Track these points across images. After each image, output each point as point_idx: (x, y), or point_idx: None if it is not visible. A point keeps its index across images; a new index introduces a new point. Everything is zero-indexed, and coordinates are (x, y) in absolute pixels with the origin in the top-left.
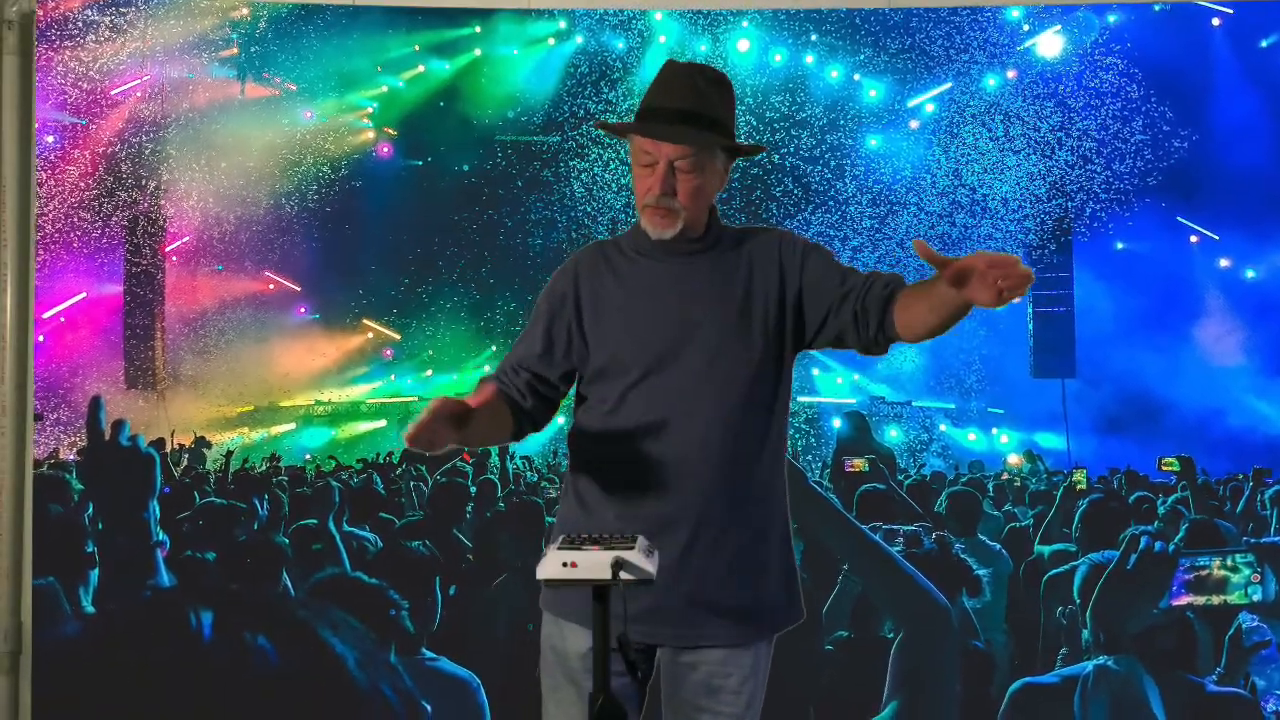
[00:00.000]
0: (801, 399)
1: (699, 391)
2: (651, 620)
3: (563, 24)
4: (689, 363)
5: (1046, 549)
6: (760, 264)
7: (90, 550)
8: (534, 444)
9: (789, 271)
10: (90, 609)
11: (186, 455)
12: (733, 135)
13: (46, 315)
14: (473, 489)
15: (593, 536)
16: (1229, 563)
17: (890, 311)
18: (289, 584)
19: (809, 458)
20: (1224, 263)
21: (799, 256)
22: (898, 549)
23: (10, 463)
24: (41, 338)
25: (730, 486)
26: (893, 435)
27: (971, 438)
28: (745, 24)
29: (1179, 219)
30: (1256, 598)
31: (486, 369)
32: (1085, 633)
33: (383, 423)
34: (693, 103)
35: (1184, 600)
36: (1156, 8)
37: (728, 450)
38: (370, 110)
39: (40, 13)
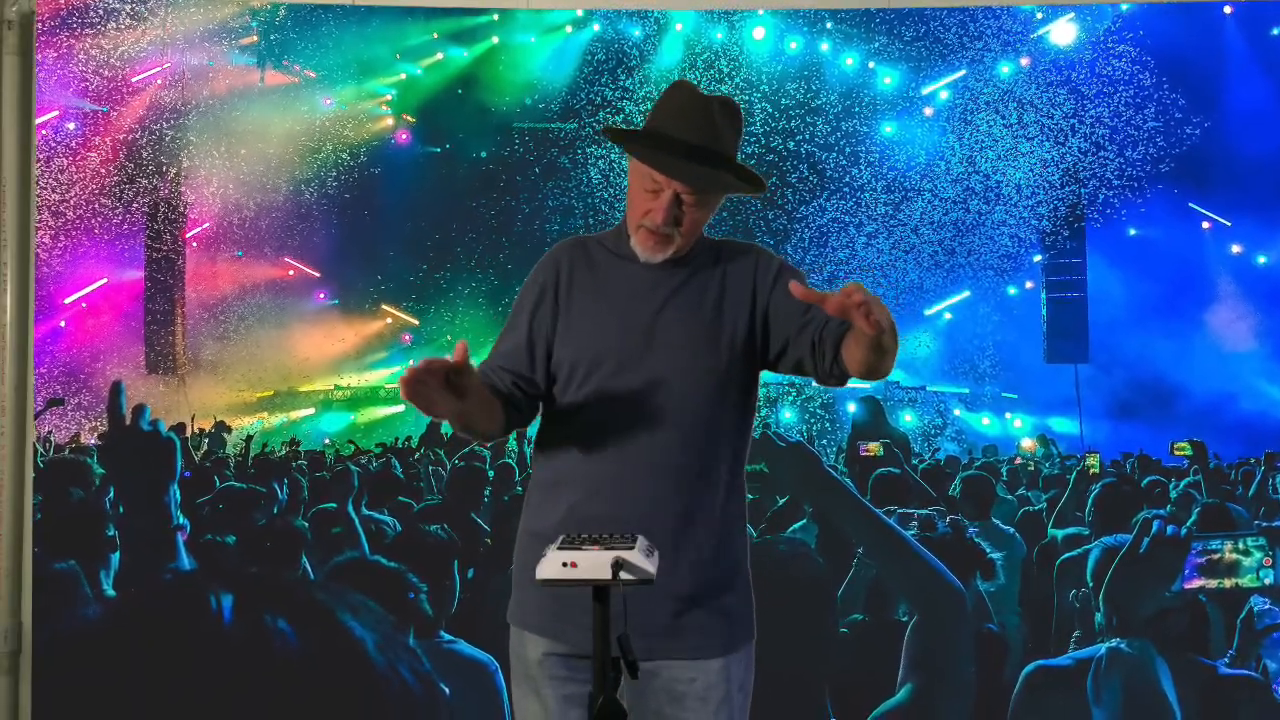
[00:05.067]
0: (816, 384)
1: (662, 396)
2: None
3: (580, 12)
4: (654, 366)
5: (1060, 532)
6: (734, 278)
7: (111, 534)
8: None
9: (760, 289)
10: (111, 592)
11: (207, 440)
12: (738, 171)
13: (68, 300)
14: (490, 473)
15: (592, 536)
16: (1241, 546)
17: (842, 346)
18: (308, 567)
19: (824, 442)
20: (1236, 249)
21: (771, 277)
22: (912, 533)
23: (10, 463)
24: (63, 323)
25: (689, 494)
26: (907, 420)
27: (985, 422)
28: (760, 11)
29: (1191, 205)
30: (1268, 581)
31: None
32: (1098, 615)
33: (401, 407)
34: (707, 138)
35: (1196, 583)
36: None
37: (687, 458)
38: (389, 98)
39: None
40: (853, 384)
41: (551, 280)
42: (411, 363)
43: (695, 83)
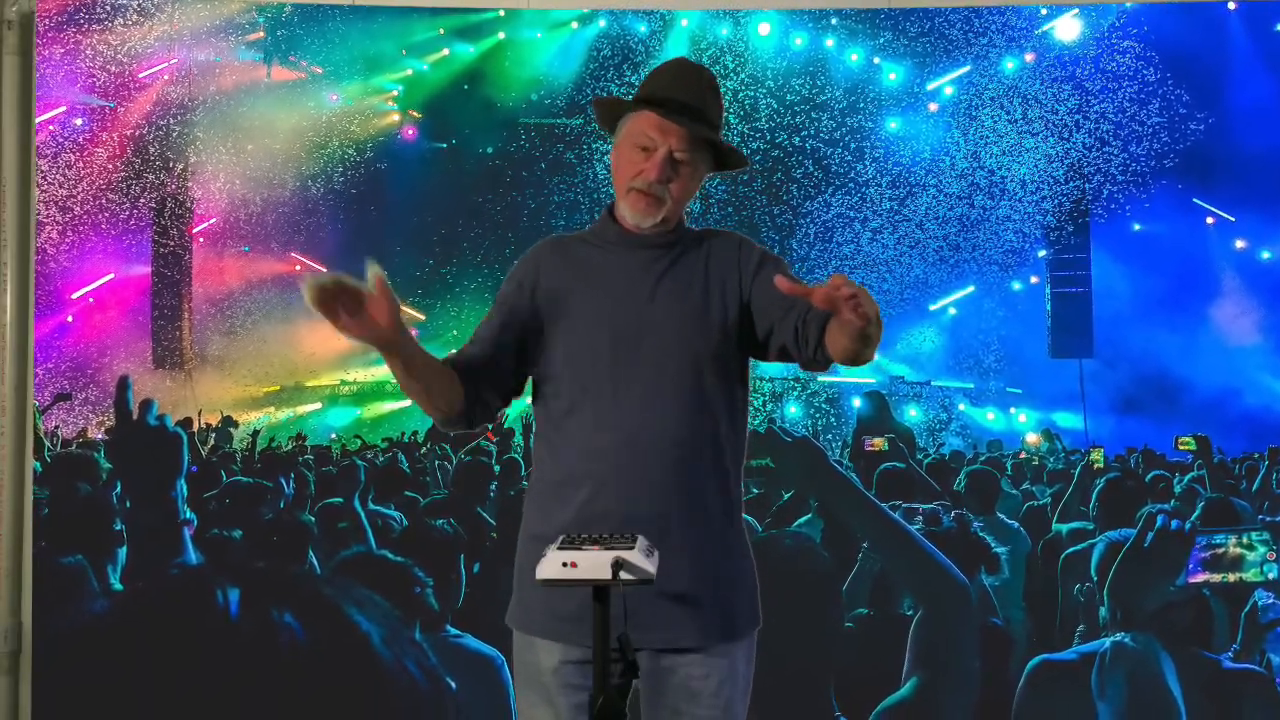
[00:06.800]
0: (822, 378)
1: (658, 383)
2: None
3: (586, 8)
4: (648, 354)
5: (1064, 527)
6: (719, 262)
7: (118, 528)
8: None
9: (744, 275)
10: (119, 586)
11: (213, 434)
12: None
13: (75, 296)
14: (496, 467)
15: (592, 536)
16: (1245, 540)
17: (825, 333)
18: (315, 562)
19: (829, 437)
20: (1240, 244)
21: (754, 263)
22: (917, 527)
23: (10, 463)
24: (70, 318)
25: (691, 481)
26: (912, 414)
27: (990, 417)
28: (765, 10)
29: (1195, 201)
30: (1272, 575)
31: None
32: (1102, 610)
33: (408, 402)
34: (699, 101)
35: (1200, 578)
36: None
37: (687, 445)
38: (395, 93)
39: None
40: (858, 377)
41: (530, 279)
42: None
43: None
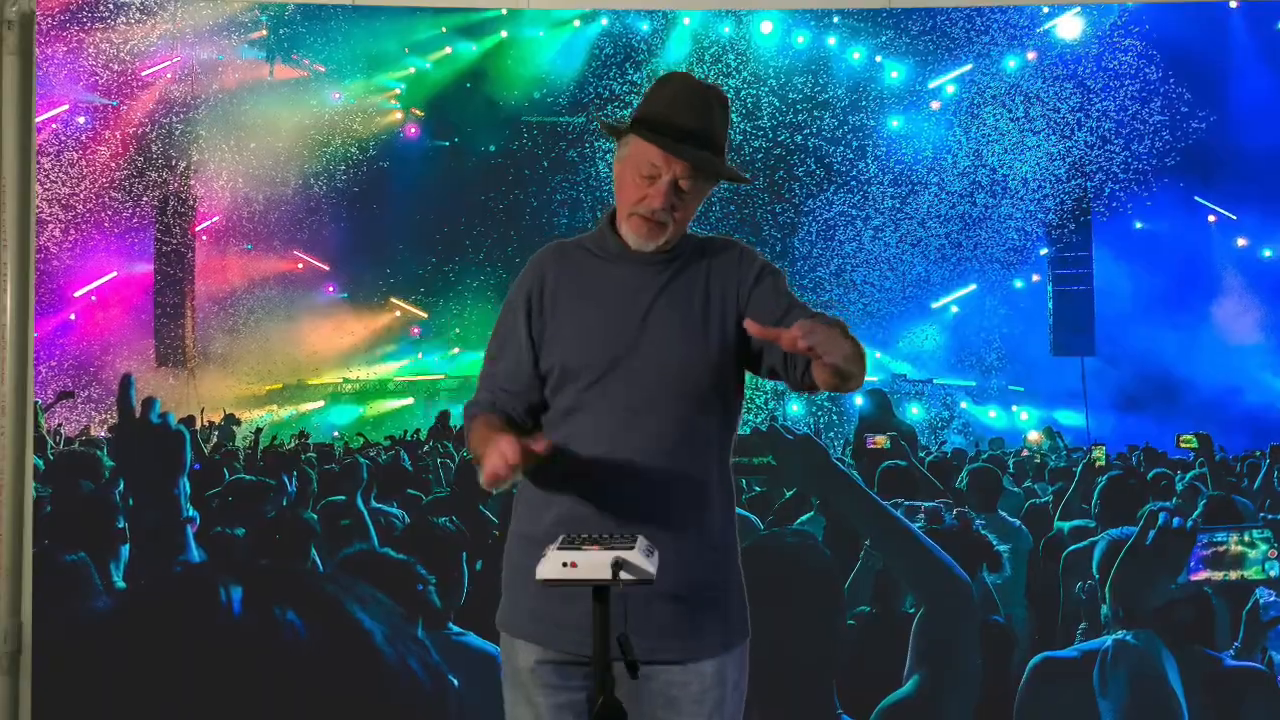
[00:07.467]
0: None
1: (654, 394)
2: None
3: (588, 7)
4: (646, 364)
5: (1066, 525)
6: (719, 274)
7: (121, 526)
8: None
9: (742, 288)
10: (121, 584)
11: (216, 432)
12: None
13: (78, 294)
14: None
15: (592, 537)
16: (1246, 538)
17: (811, 364)
18: (318, 559)
19: (831, 435)
20: (1241, 242)
21: (752, 277)
22: (919, 525)
23: (10, 463)
24: (73, 316)
25: (680, 492)
26: (914, 413)
27: (992, 415)
28: (768, 6)
29: (1197, 199)
30: (1274, 573)
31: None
32: (1104, 607)
33: (410, 400)
34: (706, 125)
35: (1202, 575)
36: None
37: (681, 456)
38: (398, 92)
39: None
40: None
41: (537, 289)
42: (504, 454)
43: (703, 76)
